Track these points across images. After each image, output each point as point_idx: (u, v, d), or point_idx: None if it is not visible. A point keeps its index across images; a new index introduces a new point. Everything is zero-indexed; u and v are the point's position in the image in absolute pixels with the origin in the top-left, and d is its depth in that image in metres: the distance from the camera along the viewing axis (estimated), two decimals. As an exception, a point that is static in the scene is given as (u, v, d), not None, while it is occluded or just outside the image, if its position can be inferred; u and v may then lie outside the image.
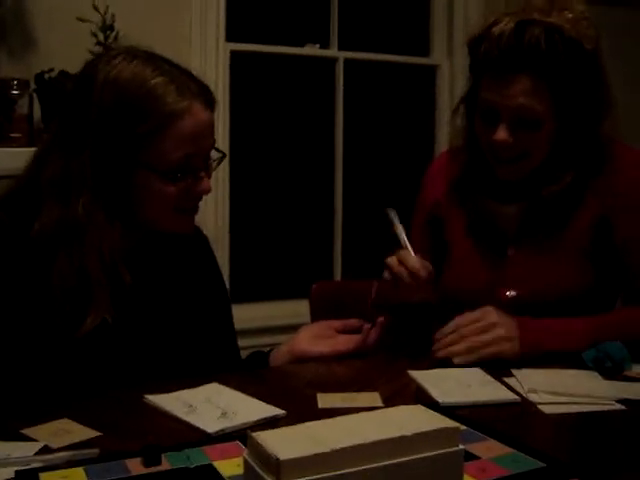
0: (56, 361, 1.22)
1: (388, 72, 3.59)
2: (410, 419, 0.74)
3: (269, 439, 0.68)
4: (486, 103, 1.44)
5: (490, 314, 1.36)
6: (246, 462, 0.69)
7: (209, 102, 1.28)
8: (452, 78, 3.57)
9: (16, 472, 0.85)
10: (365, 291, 1.65)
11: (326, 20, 3.40)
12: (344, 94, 3.44)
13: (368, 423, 0.73)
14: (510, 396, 1.18)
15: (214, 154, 1.33)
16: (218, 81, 2.99)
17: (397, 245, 1.46)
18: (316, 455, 0.66)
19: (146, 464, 0.87)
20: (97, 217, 1.23)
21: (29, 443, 0.95)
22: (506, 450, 0.93)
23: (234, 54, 3.12)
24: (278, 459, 0.64)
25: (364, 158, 3.57)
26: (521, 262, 1.53)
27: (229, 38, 3.09)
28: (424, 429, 0.71)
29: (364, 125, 3.57)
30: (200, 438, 0.98)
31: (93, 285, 1.22)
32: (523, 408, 1.14)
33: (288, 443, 0.67)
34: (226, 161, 3.07)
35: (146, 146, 1.22)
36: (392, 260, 1.44)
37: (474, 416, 1.06)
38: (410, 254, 1.43)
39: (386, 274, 1.44)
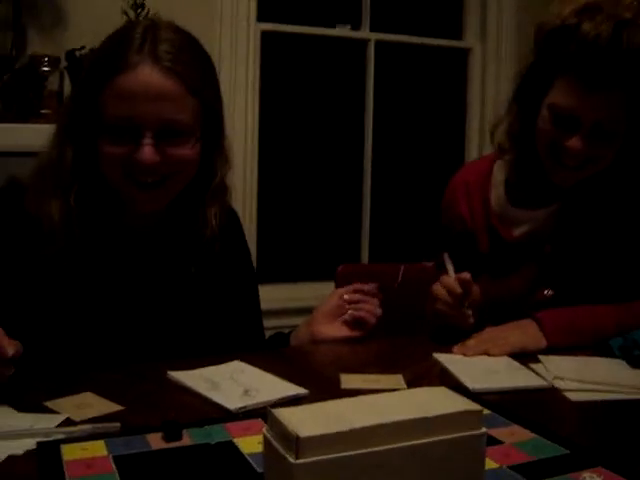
0: (79, 332, 1.22)
1: (420, 55, 3.56)
2: (433, 401, 0.73)
3: (289, 416, 0.67)
4: (565, 108, 1.33)
5: (490, 330, 1.36)
6: (265, 439, 0.69)
7: (175, 73, 1.18)
8: (484, 62, 3.54)
9: (38, 443, 0.86)
10: (391, 274, 1.64)
11: (358, 0, 3.37)
12: (375, 76, 3.42)
13: (390, 403, 0.73)
14: (539, 382, 1.17)
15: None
16: (249, 61, 2.99)
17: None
18: (336, 433, 0.65)
19: (167, 439, 0.87)
20: (67, 157, 1.22)
21: (52, 415, 0.95)
22: (530, 436, 0.92)
23: (265, 34, 3.11)
24: (298, 436, 0.64)
25: (394, 141, 3.55)
26: (558, 259, 1.47)
27: (260, 18, 3.08)
28: (446, 411, 0.70)
29: (395, 108, 3.55)
30: (222, 415, 0.98)
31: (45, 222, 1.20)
32: (549, 395, 1.13)
33: (308, 421, 0.67)
34: (255, 142, 3.11)
35: (100, 92, 1.18)
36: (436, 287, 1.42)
37: (499, 401, 1.05)
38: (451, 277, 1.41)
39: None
